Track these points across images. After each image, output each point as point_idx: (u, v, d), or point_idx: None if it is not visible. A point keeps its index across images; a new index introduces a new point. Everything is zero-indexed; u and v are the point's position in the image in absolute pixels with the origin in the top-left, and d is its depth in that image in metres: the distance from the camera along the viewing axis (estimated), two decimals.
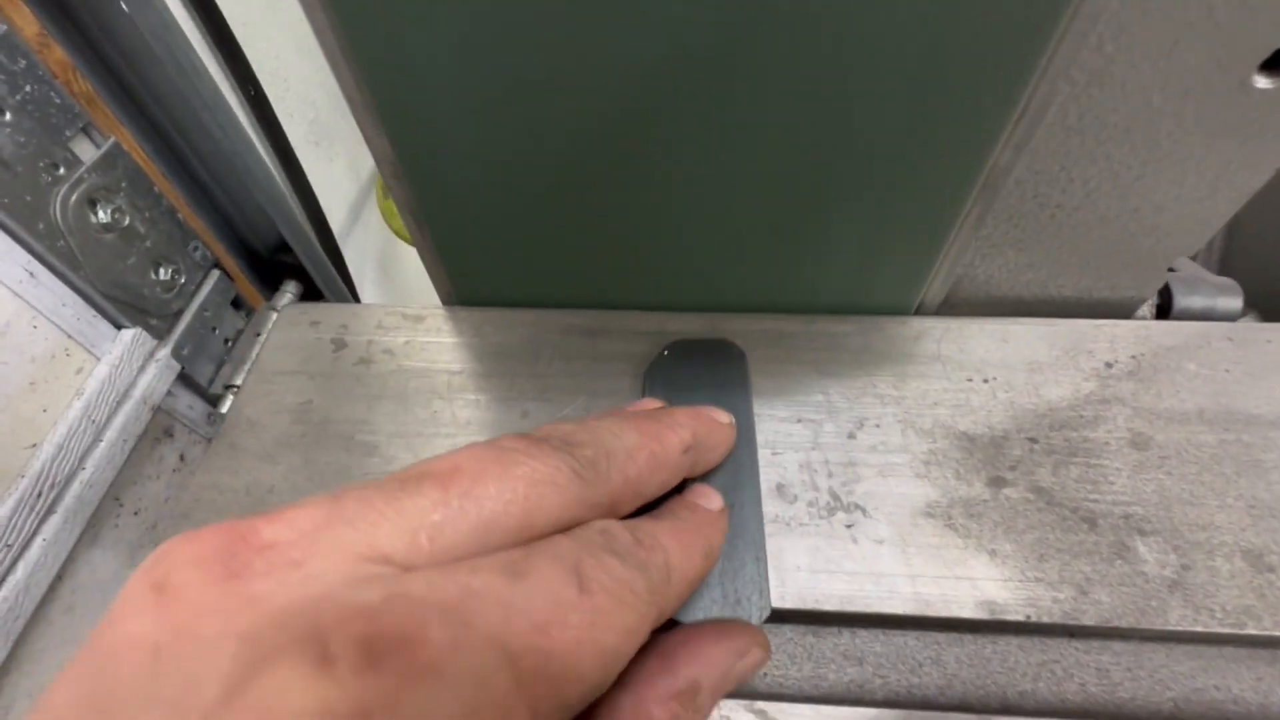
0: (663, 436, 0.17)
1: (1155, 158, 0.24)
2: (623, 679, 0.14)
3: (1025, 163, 0.25)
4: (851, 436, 0.28)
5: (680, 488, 0.19)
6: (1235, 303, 0.38)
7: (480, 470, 0.13)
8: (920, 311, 0.32)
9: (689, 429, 0.18)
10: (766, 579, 0.22)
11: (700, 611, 0.20)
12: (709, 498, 0.19)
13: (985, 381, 0.29)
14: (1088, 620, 0.23)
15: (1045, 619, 0.23)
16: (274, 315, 0.34)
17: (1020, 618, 0.23)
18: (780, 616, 0.24)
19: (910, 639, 0.24)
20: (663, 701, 0.14)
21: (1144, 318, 0.32)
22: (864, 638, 0.24)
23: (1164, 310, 0.39)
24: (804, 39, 0.20)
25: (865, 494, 0.26)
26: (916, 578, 0.24)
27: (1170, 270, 0.45)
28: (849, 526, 0.25)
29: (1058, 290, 0.31)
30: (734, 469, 0.23)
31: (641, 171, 0.25)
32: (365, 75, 0.23)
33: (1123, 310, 0.32)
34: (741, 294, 0.31)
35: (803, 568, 0.24)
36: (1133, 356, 0.30)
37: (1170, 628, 0.23)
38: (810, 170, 0.25)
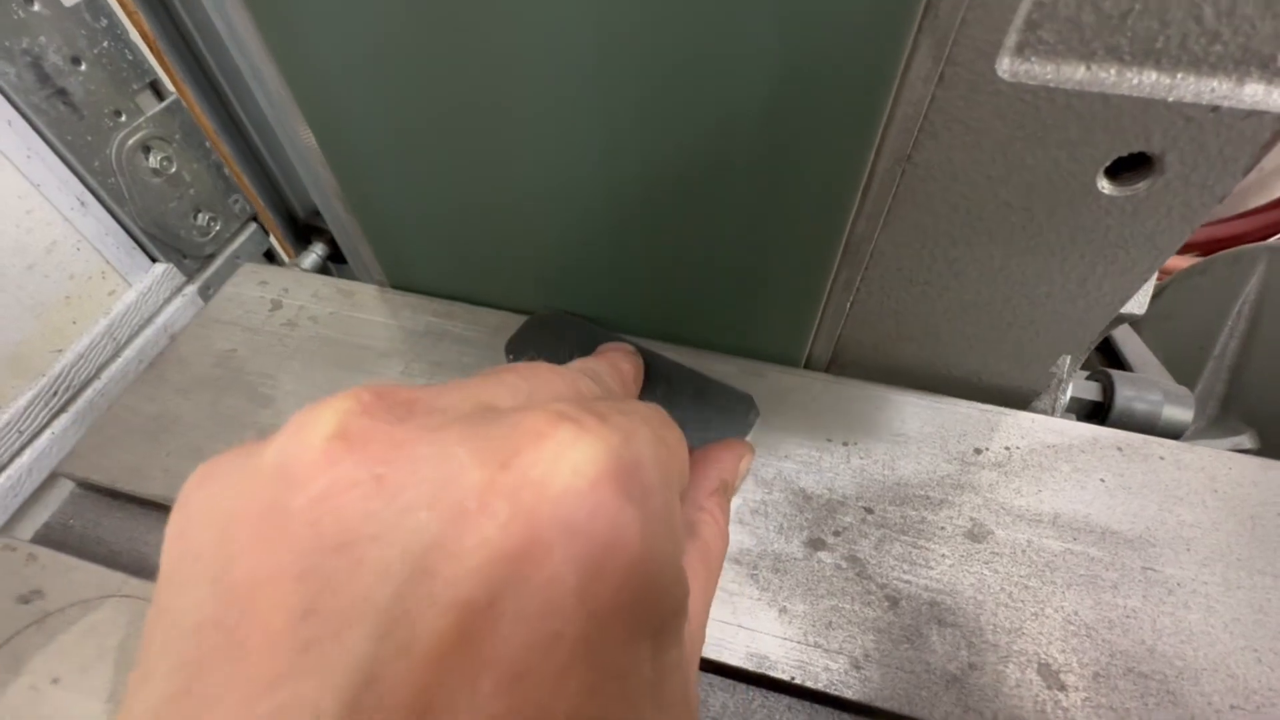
0: (619, 365, 0.22)
1: (1015, 251, 0.24)
2: None
3: (887, 235, 0.25)
4: None
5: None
6: (1184, 415, 0.36)
7: (533, 371, 0.16)
8: (810, 365, 0.32)
9: (629, 361, 0.23)
10: (733, 390, 0.29)
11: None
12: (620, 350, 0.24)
13: (844, 445, 0.29)
14: (849, 694, 0.23)
15: (809, 684, 0.23)
16: (241, 268, 0.38)
17: (785, 676, 0.23)
18: None
19: None
20: (709, 495, 0.18)
21: (1045, 412, 0.31)
22: None
23: (1106, 408, 0.37)
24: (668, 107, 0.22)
25: None
26: None
27: (1125, 369, 0.42)
28: None
29: (945, 369, 0.30)
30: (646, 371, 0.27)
31: (545, 187, 0.27)
32: (288, 76, 0.26)
33: (1020, 400, 0.31)
34: (640, 318, 0.32)
35: None
36: (1006, 448, 0.29)
37: None
38: (689, 219, 0.26)
